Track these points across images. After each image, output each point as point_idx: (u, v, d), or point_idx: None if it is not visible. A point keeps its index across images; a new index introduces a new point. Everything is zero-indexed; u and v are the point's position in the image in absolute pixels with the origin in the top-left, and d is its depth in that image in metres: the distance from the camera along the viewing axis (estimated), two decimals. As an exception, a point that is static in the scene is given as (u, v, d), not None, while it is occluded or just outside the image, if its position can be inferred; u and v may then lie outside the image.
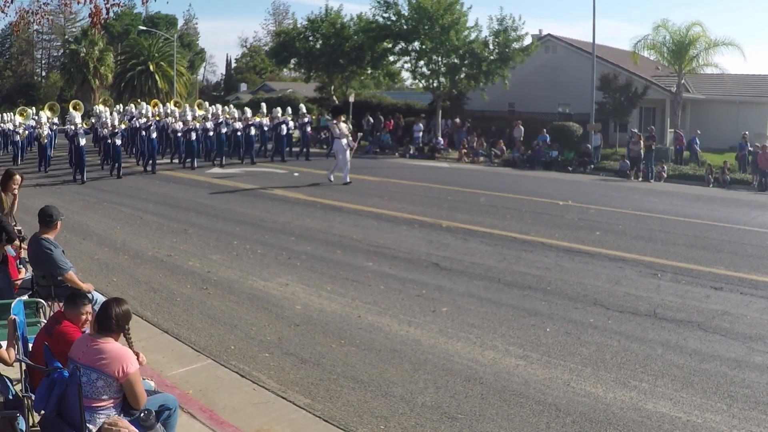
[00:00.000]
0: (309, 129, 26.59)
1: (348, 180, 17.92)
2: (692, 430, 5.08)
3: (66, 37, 63.08)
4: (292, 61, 37.03)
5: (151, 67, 50.01)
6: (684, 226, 12.62)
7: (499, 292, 8.52)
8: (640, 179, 22.59)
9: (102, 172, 21.09)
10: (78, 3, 9.75)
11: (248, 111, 25.31)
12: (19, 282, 6.89)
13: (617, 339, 6.88)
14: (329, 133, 24.35)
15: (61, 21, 64.14)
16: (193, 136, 22.50)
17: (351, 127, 18.76)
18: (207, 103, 27.97)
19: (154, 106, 28.06)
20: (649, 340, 6.85)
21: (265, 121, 25.55)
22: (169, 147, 25.00)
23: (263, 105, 27.37)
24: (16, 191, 7.94)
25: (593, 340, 6.88)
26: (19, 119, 26.17)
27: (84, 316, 4.73)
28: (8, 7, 9.47)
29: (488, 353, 6.56)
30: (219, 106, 26.11)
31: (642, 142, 22.98)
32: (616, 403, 5.49)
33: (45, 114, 25.06)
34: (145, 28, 55.69)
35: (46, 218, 6.33)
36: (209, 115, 24.45)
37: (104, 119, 21.27)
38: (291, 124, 25.61)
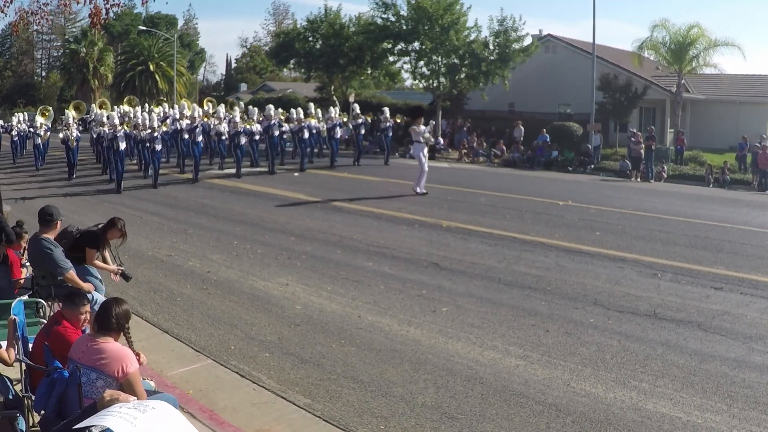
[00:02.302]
0: (363, 131, 24.16)
1: (424, 191, 16.00)
2: (692, 430, 5.08)
3: (66, 37, 63.08)
4: (292, 61, 37.04)
5: (151, 67, 50.00)
6: (684, 226, 12.62)
7: (499, 292, 8.52)
8: (640, 179, 22.58)
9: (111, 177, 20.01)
10: (78, 3, 9.77)
11: (300, 111, 22.81)
12: (22, 281, 6.91)
13: (617, 339, 6.88)
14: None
15: (61, 21, 64.12)
16: (243, 140, 20.28)
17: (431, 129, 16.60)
18: (242, 103, 25.49)
19: (205, 105, 25.67)
20: (649, 340, 6.85)
21: (316, 123, 22.94)
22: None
23: (311, 105, 24.59)
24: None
25: (593, 340, 6.88)
26: (40, 119, 24.16)
27: (83, 316, 4.73)
28: (8, 7, 9.48)
29: (488, 353, 6.56)
30: (271, 107, 22.85)
31: (642, 142, 22.99)
32: (616, 403, 5.48)
33: (71, 113, 23.07)
34: (145, 28, 55.66)
35: (47, 217, 6.32)
36: (253, 116, 22.22)
37: (139, 120, 19.24)
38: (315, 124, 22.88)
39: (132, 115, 22.24)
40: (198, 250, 10.95)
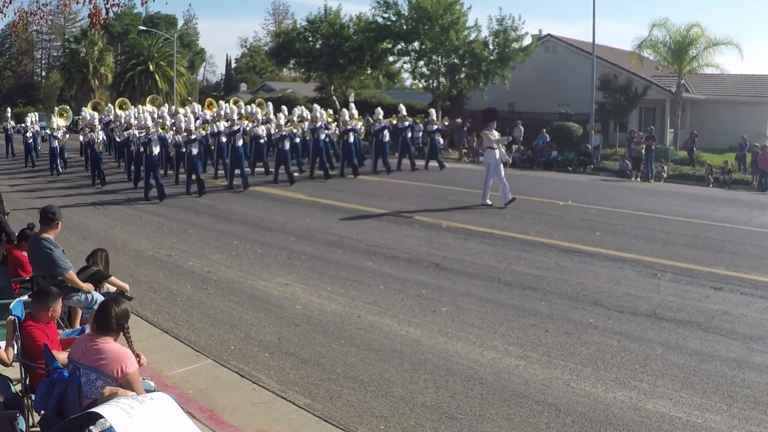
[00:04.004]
0: (439, 136, 22.19)
1: (510, 197, 14.13)
2: (692, 430, 5.08)
3: (66, 37, 63.08)
4: (292, 61, 37.07)
5: (151, 67, 49.95)
6: (684, 226, 12.62)
7: (499, 292, 8.52)
8: (640, 179, 22.58)
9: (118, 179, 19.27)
10: (77, 3, 9.77)
11: (346, 113, 20.60)
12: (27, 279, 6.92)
13: (617, 339, 6.88)
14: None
15: (61, 21, 64.15)
16: (287, 144, 18.28)
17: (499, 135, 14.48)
18: (270, 104, 23.24)
19: (209, 107, 23.71)
20: (649, 340, 6.84)
21: (359, 125, 20.70)
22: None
23: (352, 105, 22.37)
24: None
25: (593, 340, 6.87)
26: (59, 121, 22.75)
27: (50, 313, 4.84)
28: (7, 7, 9.48)
29: (488, 353, 6.56)
30: (317, 107, 20.95)
31: (642, 142, 22.99)
32: (616, 403, 5.48)
33: (93, 114, 21.95)
34: (145, 28, 55.65)
35: (49, 215, 6.32)
36: (294, 118, 20.51)
37: (179, 123, 17.43)
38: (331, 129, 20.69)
39: (156, 116, 20.49)
40: (198, 250, 10.95)
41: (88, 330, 4.77)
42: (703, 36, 27.30)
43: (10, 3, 9.50)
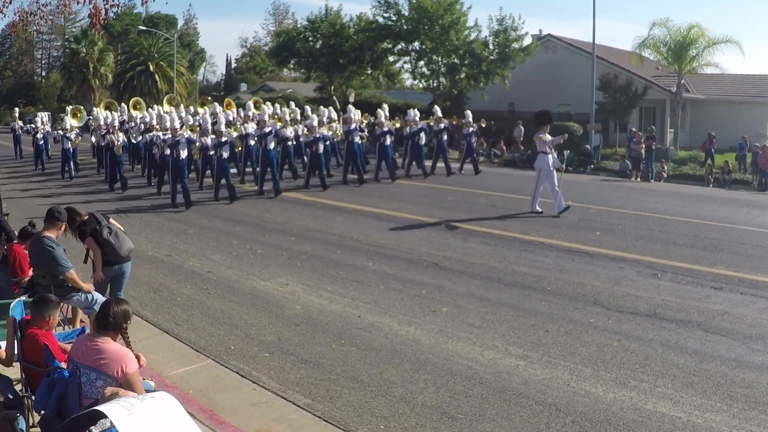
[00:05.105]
0: (446, 137, 20.98)
1: (564, 205, 13.30)
2: (692, 430, 5.08)
3: (66, 36, 63.09)
4: (292, 61, 37.08)
5: (151, 67, 49.98)
6: (684, 226, 12.61)
7: (499, 292, 8.52)
8: (640, 179, 22.57)
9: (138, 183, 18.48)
10: (77, 3, 9.77)
11: (380, 114, 18.96)
12: (26, 279, 6.92)
13: (617, 339, 6.88)
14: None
15: (61, 21, 64.14)
16: (321, 147, 17.16)
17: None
18: (269, 104, 22.02)
19: (227, 107, 22.48)
20: (649, 340, 6.84)
21: (387, 124, 18.94)
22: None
23: (385, 107, 20.24)
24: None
25: (593, 340, 6.87)
26: (72, 122, 21.68)
27: (50, 321, 4.85)
28: (7, 7, 9.48)
29: (488, 353, 6.56)
30: (351, 108, 19.51)
31: (642, 142, 22.98)
32: (616, 403, 5.48)
33: (107, 115, 21.02)
34: (145, 28, 55.68)
35: (54, 215, 6.32)
36: (324, 119, 19.16)
37: (205, 124, 16.44)
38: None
39: (181, 117, 19.28)
40: (198, 250, 10.95)
41: (88, 330, 4.77)
42: (704, 35, 27.29)
43: (10, 3, 9.51)
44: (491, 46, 30.61)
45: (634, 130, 25.27)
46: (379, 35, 31.83)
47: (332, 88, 35.98)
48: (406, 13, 30.87)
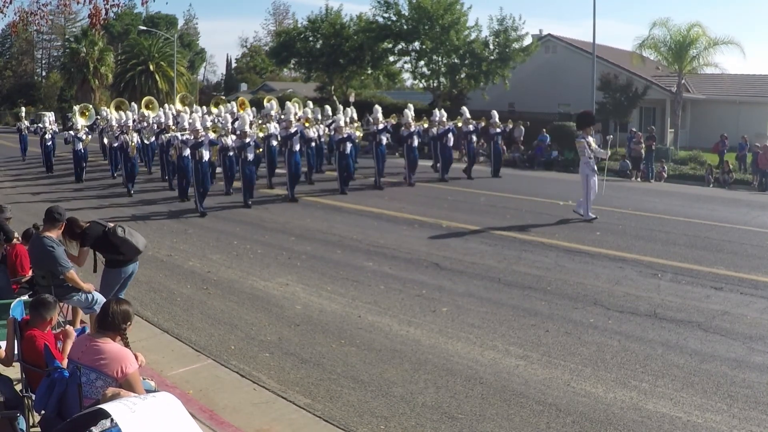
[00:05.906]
0: (501, 141, 20.34)
1: (591, 215, 13.03)
2: (692, 430, 5.08)
3: (66, 36, 63.11)
4: (293, 61, 37.10)
5: (151, 67, 49.99)
6: (684, 226, 12.61)
7: (499, 292, 8.52)
8: (640, 179, 22.57)
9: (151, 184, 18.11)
10: (78, 3, 9.77)
11: (407, 114, 18.28)
12: (26, 278, 6.91)
13: (617, 339, 6.88)
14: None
15: (61, 21, 64.16)
16: (348, 147, 16.47)
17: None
18: (310, 103, 21.33)
19: (241, 106, 21.46)
20: (649, 340, 6.84)
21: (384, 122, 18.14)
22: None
23: (410, 107, 19.63)
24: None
25: (593, 340, 6.87)
26: (81, 121, 20.85)
27: (50, 320, 4.87)
28: (7, 7, 9.48)
29: (488, 353, 6.56)
30: (378, 108, 18.60)
31: (642, 142, 22.97)
32: (616, 403, 5.48)
33: (118, 114, 20.35)
34: (145, 28, 55.66)
35: (55, 215, 6.30)
36: (344, 119, 17.72)
37: (228, 124, 15.54)
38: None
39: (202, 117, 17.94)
40: (198, 250, 10.95)
41: (88, 330, 4.78)
42: (704, 35, 27.28)
43: (10, 3, 9.50)
44: (491, 46, 30.61)
45: (634, 130, 25.27)
46: (379, 35, 31.83)
47: (332, 88, 35.99)
48: (406, 13, 30.87)
